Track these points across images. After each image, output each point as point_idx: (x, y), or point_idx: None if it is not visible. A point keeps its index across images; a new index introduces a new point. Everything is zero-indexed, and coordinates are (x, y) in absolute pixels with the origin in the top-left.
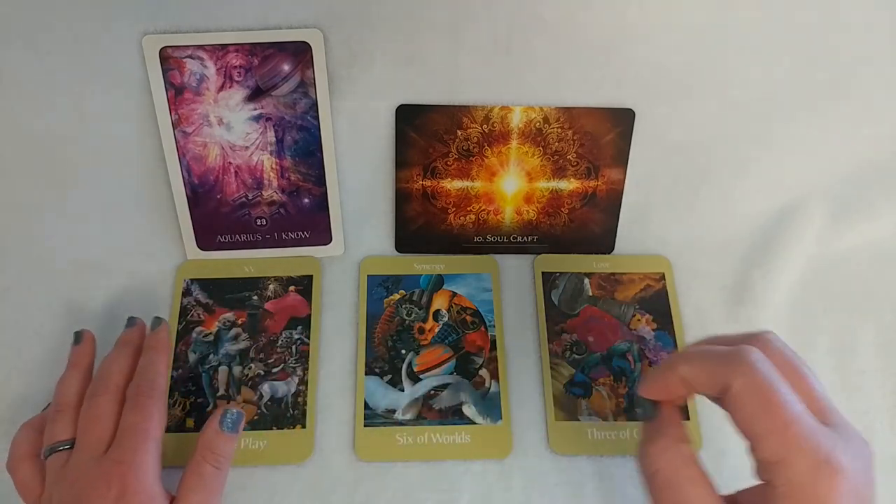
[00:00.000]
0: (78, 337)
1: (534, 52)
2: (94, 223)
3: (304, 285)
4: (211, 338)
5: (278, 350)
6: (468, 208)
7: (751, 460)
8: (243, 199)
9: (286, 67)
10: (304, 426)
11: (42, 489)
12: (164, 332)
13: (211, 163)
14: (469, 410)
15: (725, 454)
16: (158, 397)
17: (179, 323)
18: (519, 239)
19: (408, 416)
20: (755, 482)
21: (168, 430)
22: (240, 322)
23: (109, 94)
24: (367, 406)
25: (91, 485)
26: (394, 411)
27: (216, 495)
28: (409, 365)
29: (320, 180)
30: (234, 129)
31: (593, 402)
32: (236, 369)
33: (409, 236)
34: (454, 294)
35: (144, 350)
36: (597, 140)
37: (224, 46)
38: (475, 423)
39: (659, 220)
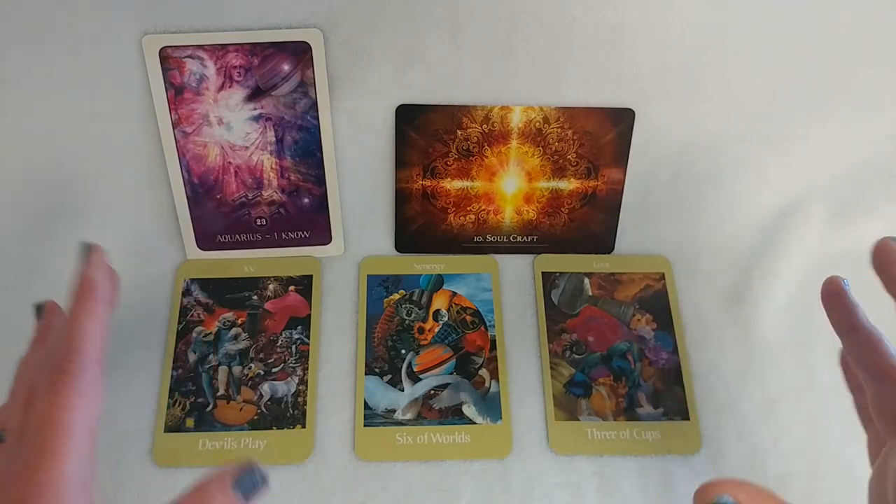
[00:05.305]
0: (40, 310)
1: (534, 52)
2: (93, 223)
3: (304, 285)
4: (211, 338)
5: (278, 350)
6: (468, 208)
7: None
8: (243, 199)
9: (286, 67)
10: (303, 426)
11: None
12: (99, 258)
13: (211, 163)
14: (469, 410)
15: (725, 455)
16: (81, 370)
17: (179, 323)
18: (519, 239)
19: (408, 416)
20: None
21: (168, 429)
22: (240, 322)
23: (109, 94)
24: (366, 406)
25: None
26: (394, 411)
27: None
28: (409, 365)
29: (320, 180)
30: (234, 128)
31: (593, 401)
32: (236, 369)
33: (409, 236)
34: (454, 294)
35: (70, 301)
36: (597, 140)
37: (224, 46)
38: (475, 423)
39: (659, 220)
